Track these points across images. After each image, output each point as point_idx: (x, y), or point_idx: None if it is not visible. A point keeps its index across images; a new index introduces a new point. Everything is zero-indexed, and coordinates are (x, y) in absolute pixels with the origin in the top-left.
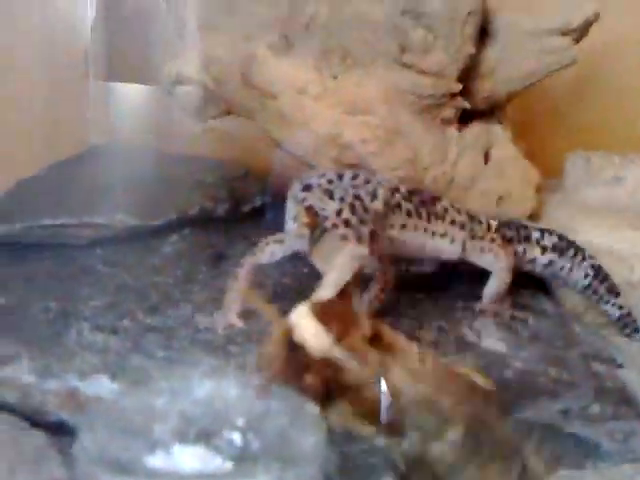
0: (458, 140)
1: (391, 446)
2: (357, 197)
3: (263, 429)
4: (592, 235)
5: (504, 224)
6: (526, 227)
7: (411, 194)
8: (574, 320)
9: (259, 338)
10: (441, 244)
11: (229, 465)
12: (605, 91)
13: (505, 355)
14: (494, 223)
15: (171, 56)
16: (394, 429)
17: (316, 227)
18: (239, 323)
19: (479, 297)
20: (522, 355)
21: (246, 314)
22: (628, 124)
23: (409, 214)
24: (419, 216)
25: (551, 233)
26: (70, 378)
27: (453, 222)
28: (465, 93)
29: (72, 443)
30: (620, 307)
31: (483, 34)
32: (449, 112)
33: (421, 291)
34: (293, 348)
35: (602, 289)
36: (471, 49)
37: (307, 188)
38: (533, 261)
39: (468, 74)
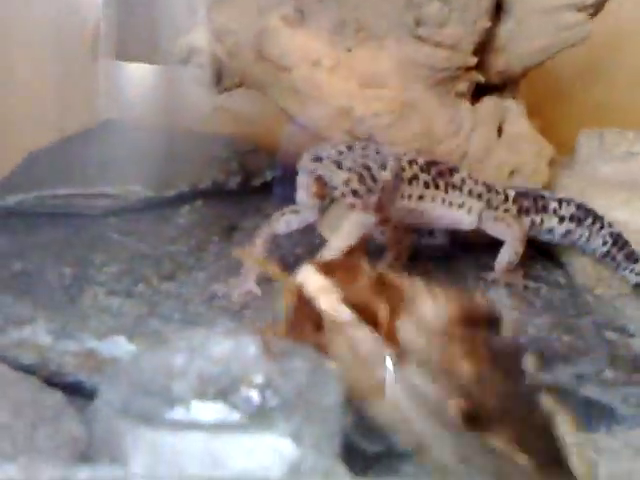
0: (472, 114)
1: None
2: (366, 167)
3: (281, 387)
4: (604, 209)
5: (521, 194)
6: (543, 197)
7: (429, 165)
8: (586, 291)
9: (273, 302)
10: (459, 215)
11: (246, 420)
12: (619, 70)
13: (518, 322)
14: (512, 193)
15: (184, 31)
16: None
17: (325, 197)
18: (256, 289)
19: (491, 268)
20: (536, 322)
21: (261, 281)
22: None
23: (427, 185)
24: (436, 187)
25: (569, 203)
26: (87, 339)
27: (470, 193)
28: (479, 67)
29: (89, 403)
30: (638, 273)
31: (498, 9)
32: (463, 86)
33: (432, 261)
34: (303, 304)
35: (620, 256)
36: (486, 23)
37: (317, 159)
38: (551, 231)
39: (483, 48)
